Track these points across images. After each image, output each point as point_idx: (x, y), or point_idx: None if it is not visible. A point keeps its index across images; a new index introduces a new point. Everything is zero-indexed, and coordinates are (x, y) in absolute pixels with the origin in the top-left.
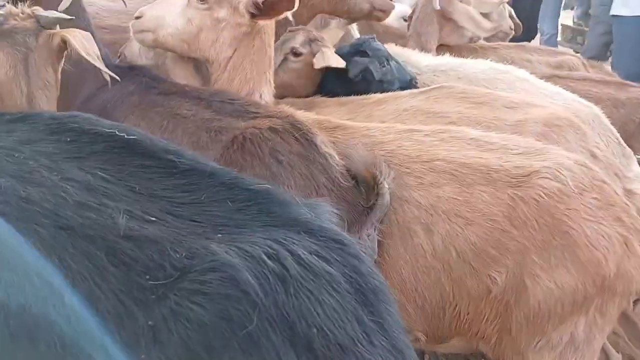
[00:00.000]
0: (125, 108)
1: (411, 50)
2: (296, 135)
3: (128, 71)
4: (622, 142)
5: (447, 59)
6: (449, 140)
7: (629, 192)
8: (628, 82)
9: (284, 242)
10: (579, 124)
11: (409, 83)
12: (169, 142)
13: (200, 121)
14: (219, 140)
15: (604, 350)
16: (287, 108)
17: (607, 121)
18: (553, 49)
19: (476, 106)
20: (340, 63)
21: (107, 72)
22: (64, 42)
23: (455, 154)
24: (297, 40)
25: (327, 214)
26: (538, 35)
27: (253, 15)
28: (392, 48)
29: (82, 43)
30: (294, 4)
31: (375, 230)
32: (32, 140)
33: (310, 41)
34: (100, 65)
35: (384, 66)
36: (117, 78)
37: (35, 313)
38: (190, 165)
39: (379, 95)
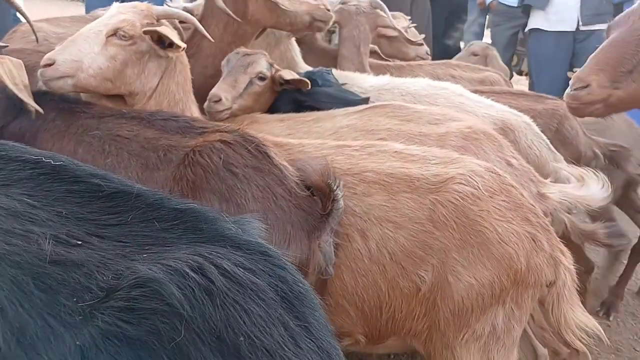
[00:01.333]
0: (49, 135)
1: (354, 73)
2: (249, 147)
3: (43, 97)
4: (552, 147)
5: (388, 79)
6: (376, 154)
7: (542, 196)
8: (543, 94)
9: (208, 256)
10: (495, 135)
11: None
12: (95, 168)
13: (145, 141)
14: (169, 160)
15: (531, 345)
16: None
17: (537, 129)
18: (476, 65)
19: (404, 123)
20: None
21: (33, 105)
22: None
23: (382, 165)
24: (262, 65)
25: (255, 229)
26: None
27: (162, 48)
28: (337, 72)
29: (11, 71)
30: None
31: (332, 236)
32: None
33: (270, 65)
34: (24, 96)
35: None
36: (41, 110)
37: None
38: (116, 187)
39: (317, 113)
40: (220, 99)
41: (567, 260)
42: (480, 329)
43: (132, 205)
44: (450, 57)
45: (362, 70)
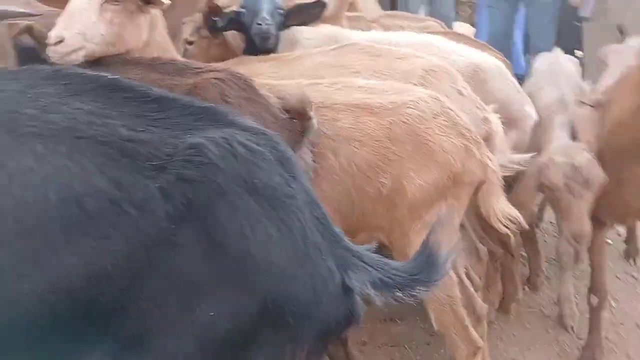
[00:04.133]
0: None
1: (344, 29)
2: (238, 83)
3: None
4: (519, 87)
5: (376, 33)
6: (343, 88)
7: (485, 120)
8: (486, 44)
9: (230, 134)
10: (451, 70)
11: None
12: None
13: (150, 82)
14: None
15: (475, 246)
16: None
17: (507, 71)
18: (416, 15)
19: (374, 58)
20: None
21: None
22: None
23: (349, 97)
24: (186, 32)
25: (253, 122)
26: None
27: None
28: (328, 28)
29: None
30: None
31: (310, 148)
32: (36, 85)
33: (198, 28)
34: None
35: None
36: None
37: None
38: (158, 94)
39: (296, 53)
40: None
41: (492, 164)
42: (429, 219)
43: (171, 105)
44: None
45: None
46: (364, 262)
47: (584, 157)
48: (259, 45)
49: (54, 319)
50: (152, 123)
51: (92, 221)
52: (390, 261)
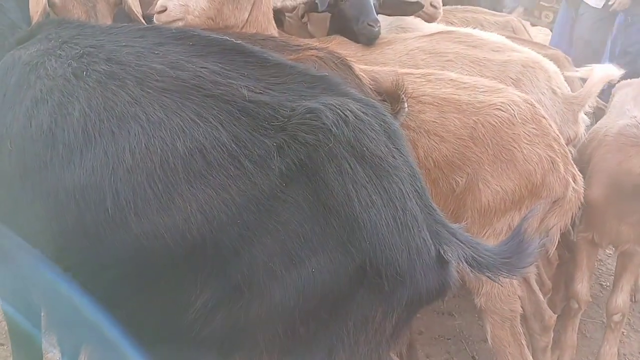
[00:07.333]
0: None
1: (415, 19)
2: (336, 62)
3: None
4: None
5: (450, 28)
6: (434, 80)
7: (574, 122)
8: (547, 45)
9: (342, 102)
10: (547, 67)
11: None
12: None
13: None
14: None
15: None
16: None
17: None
18: (498, 13)
19: (470, 48)
20: None
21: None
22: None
23: (437, 91)
24: None
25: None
26: None
27: None
28: (402, 18)
29: (134, 1)
30: None
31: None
32: (163, 43)
33: None
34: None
35: None
36: None
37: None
38: (277, 60)
39: (387, 37)
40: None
41: (577, 184)
42: (500, 227)
43: (288, 72)
44: None
45: None
46: (457, 239)
47: None
48: (362, 42)
49: (167, 262)
50: (271, 87)
51: (212, 172)
52: (481, 242)
